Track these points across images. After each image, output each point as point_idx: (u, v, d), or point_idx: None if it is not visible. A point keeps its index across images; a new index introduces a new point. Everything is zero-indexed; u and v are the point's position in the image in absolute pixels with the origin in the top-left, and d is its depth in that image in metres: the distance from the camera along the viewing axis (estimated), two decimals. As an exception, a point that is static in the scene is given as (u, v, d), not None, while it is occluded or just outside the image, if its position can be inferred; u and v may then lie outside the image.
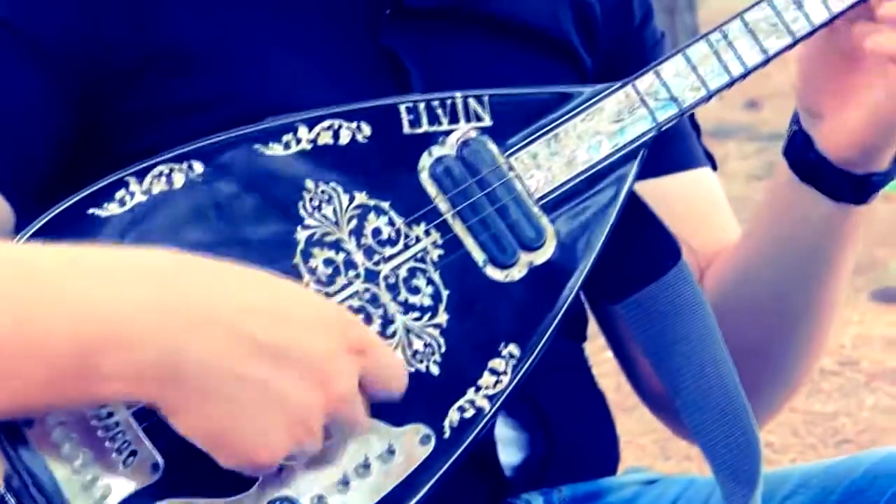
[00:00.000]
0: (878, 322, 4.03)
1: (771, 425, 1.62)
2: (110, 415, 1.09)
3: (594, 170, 1.22)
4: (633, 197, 1.25)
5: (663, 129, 1.24)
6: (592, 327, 1.43)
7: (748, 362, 1.32)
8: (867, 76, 1.24)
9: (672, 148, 1.37)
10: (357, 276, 1.17)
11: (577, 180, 1.22)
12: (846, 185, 1.28)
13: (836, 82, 1.26)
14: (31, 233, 1.13)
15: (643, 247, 1.27)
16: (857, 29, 1.24)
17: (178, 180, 1.16)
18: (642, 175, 1.33)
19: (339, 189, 1.18)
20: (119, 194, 1.15)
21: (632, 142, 1.23)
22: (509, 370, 1.17)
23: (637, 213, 1.26)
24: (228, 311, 1.06)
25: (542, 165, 1.22)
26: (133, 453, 1.10)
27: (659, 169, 1.37)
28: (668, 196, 1.37)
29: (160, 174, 1.16)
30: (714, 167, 1.43)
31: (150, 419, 1.09)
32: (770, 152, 6.98)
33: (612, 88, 1.24)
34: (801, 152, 1.29)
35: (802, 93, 1.28)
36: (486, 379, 1.17)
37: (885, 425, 3.42)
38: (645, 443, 3.26)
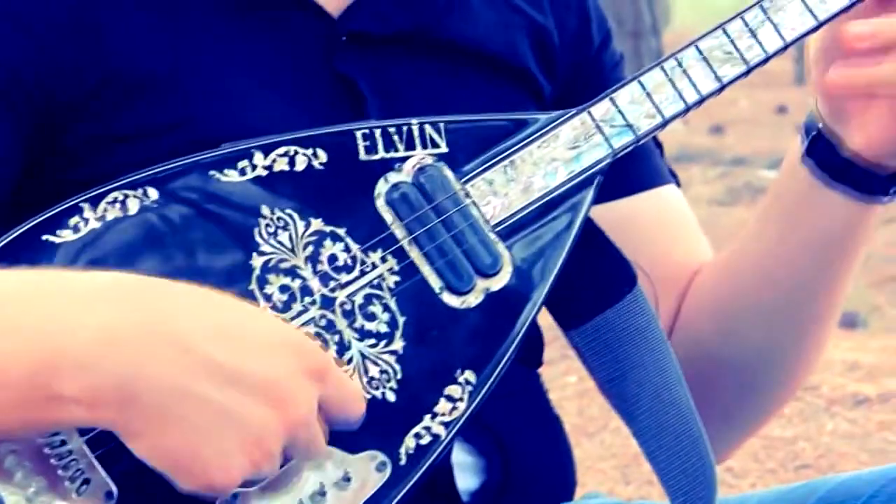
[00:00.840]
0: (839, 347, 4.05)
1: (730, 450, 1.62)
2: (63, 443, 1.09)
3: (550, 196, 1.23)
4: (588, 223, 1.25)
5: (619, 155, 1.24)
6: (552, 353, 1.43)
7: (750, 366, 1.33)
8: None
9: (637, 167, 1.38)
10: (313, 302, 1.17)
11: (534, 207, 1.22)
12: (876, 182, 1.29)
13: None
14: None
15: (599, 273, 1.28)
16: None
17: (133, 207, 1.16)
18: (610, 197, 1.34)
19: (295, 215, 1.18)
20: (73, 221, 1.15)
21: (588, 168, 1.23)
22: (466, 397, 1.17)
23: (593, 240, 1.27)
24: (186, 332, 1.05)
25: (498, 192, 1.22)
26: (86, 481, 1.09)
27: (626, 189, 1.37)
28: (638, 215, 1.38)
29: (114, 201, 1.16)
30: (678, 185, 1.44)
31: (104, 447, 1.08)
32: (733, 177, 7.02)
33: (568, 115, 1.24)
34: (827, 154, 1.29)
35: (826, 94, 1.29)
36: (443, 406, 1.17)
37: (844, 450, 3.43)
38: (605, 467, 3.27)
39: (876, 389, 3.72)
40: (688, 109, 1.25)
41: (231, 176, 1.18)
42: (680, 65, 1.25)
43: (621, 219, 1.32)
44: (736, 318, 1.36)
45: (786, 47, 1.26)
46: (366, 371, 1.16)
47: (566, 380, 3.51)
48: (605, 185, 1.24)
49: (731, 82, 1.26)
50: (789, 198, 1.34)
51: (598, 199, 1.25)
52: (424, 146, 1.21)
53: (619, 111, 1.24)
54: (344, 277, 1.18)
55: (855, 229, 1.32)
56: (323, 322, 1.16)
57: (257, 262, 1.16)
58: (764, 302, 1.35)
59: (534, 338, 1.35)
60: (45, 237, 1.14)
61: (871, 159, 1.28)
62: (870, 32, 1.22)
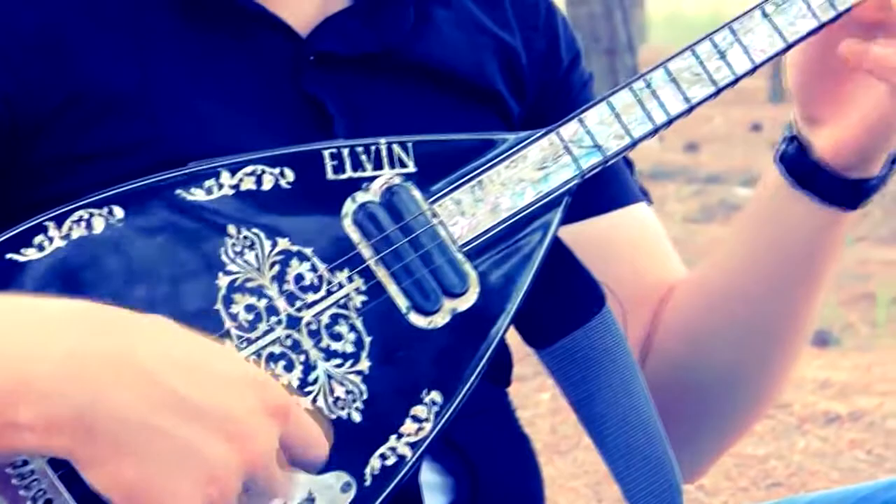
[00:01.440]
0: (811, 365, 4.06)
1: (703, 468, 1.63)
2: (25, 463, 1.08)
3: (518, 217, 1.22)
4: (557, 243, 1.25)
5: (587, 176, 1.24)
6: (525, 369, 1.43)
7: (725, 385, 1.33)
8: (862, 82, 1.26)
9: (607, 186, 1.38)
10: (279, 322, 1.16)
11: (501, 227, 1.22)
12: (841, 189, 1.29)
13: (833, 88, 1.28)
14: None
15: (567, 293, 1.27)
16: (848, 46, 1.25)
17: (98, 225, 1.15)
18: (581, 216, 1.34)
19: (262, 235, 1.17)
20: (38, 239, 1.14)
21: (556, 189, 1.23)
22: (431, 417, 1.17)
23: (561, 260, 1.27)
24: (150, 364, 1.04)
25: (466, 212, 1.22)
26: (48, 502, 1.08)
27: (597, 208, 1.37)
28: (610, 234, 1.37)
29: (80, 219, 1.15)
30: (649, 202, 1.44)
31: (66, 467, 1.08)
32: (707, 194, 7.03)
33: (537, 136, 1.24)
34: (797, 158, 1.30)
35: (800, 99, 1.30)
36: (408, 426, 1.16)
37: (816, 468, 3.43)
38: (578, 486, 3.26)
39: (847, 408, 3.73)
40: (656, 130, 1.25)
41: (197, 195, 1.17)
42: (649, 86, 1.25)
43: (593, 238, 1.32)
44: (708, 336, 1.36)
45: (754, 69, 1.26)
46: (331, 391, 1.16)
47: (539, 397, 3.50)
48: (577, 204, 1.24)
49: (699, 103, 1.26)
50: (761, 209, 1.34)
51: (570, 219, 1.25)
52: (392, 166, 1.21)
53: (588, 132, 1.24)
54: (310, 297, 1.17)
55: (823, 242, 1.32)
56: (289, 342, 1.16)
57: (223, 281, 1.16)
58: (735, 319, 1.35)
59: (503, 356, 1.35)
60: (9, 256, 1.13)
61: (837, 167, 1.29)
62: None
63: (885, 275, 5.32)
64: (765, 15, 1.26)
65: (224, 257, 1.16)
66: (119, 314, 1.07)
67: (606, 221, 1.38)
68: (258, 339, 1.15)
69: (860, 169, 1.29)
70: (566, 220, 1.24)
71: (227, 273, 1.16)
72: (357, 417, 1.16)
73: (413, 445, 1.16)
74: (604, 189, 1.36)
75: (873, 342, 4.64)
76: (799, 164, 1.30)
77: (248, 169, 1.18)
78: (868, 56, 1.24)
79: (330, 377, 1.16)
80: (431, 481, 1.29)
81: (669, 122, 1.25)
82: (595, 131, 1.24)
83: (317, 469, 1.11)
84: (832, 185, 1.29)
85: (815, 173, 1.29)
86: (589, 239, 1.31)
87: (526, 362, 1.41)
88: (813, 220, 1.31)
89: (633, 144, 1.25)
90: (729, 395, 1.37)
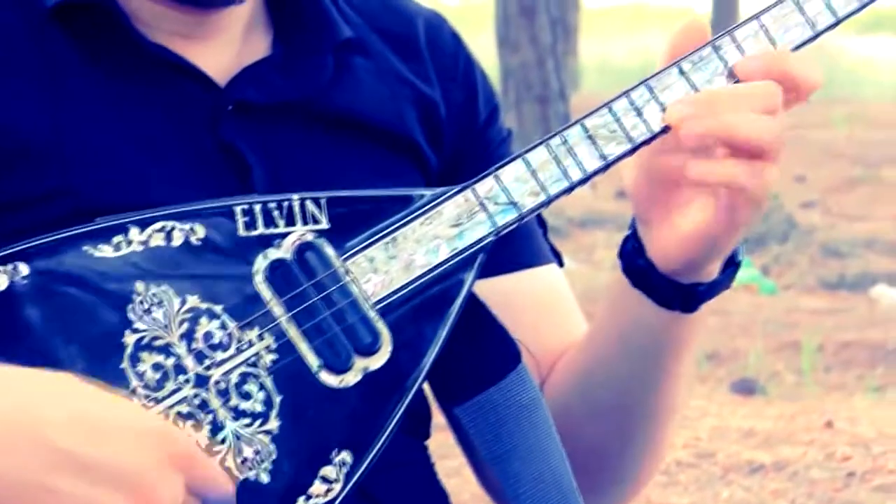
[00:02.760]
0: (735, 414, 4.07)
1: (628, 518, 1.62)
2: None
3: (432, 274, 1.21)
4: (472, 300, 1.24)
5: (502, 233, 1.23)
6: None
7: (589, 461, 1.32)
8: (691, 192, 1.25)
9: (516, 246, 1.37)
10: (187, 381, 1.14)
11: (415, 284, 1.21)
12: (673, 293, 1.28)
13: (664, 193, 1.26)
14: None
15: (482, 350, 1.26)
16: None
17: (2, 283, 1.13)
18: (487, 273, 1.33)
19: (171, 292, 1.16)
20: None
21: (470, 246, 1.22)
22: (341, 477, 1.15)
23: (476, 317, 1.26)
24: (44, 424, 1.03)
25: (379, 269, 1.21)
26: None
27: (503, 267, 1.36)
28: (512, 294, 1.36)
29: None
30: (560, 264, 1.43)
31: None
32: (637, 241, 7.04)
33: (452, 192, 1.23)
34: (632, 258, 1.29)
35: (633, 199, 1.29)
36: (317, 487, 1.15)
37: (740, 519, 3.44)
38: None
39: (771, 457, 3.74)
40: (572, 188, 1.24)
41: (105, 251, 1.16)
42: (565, 143, 1.24)
43: (498, 296, 1.30)
44: (575, 406, 1.34)
45: (671, 126, 1.26)
46: (240, 451, 1.14)
47: (465, 446, 3.48)
48: (486, 261, 1.23)
49: (616, 161, 1.25)
50: (610, 300, 1.33)
51: (478, 275, 1.24)
52: (305, 222, 1.20)
53: (504, 189, 1.23)
54: (219, 356, 1.15)
55: (669, 338, 1.30)
56: (196, 401, 1.14)
57: (130, 339, 1.14)
58: (594, 396, 1.34)
59: (421, 409, 1.34)
60: None
61: (666, 271, 1.26)
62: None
63: (812, 323, 5.36)
64: (682, 72, 1.25)
65: (131, 315, 1.14)
66: (16, 374, 1.05)
67: (513, 281, 1.37)
68: (165, 398, 1.14)
69: (688, 274, 1.27)
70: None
71: (135, 331, 1.14)
72: (265, 478, 1.14)
73: None
74: (513, 248, 1.35)
75: (799, 391, 4.66)
76: (634, 263, 1.28)
77: (158, 225, 1.17)
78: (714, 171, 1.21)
79: (238, 437, 1.14)
80: (346, 535, 1.28)
81: (586, 180, 1.25)
82: (511, 188, 1.23)
83: None
84: (663, 288, 1.27)
85: (647, 274, 1.27)
86: (493, 297, 1.29)
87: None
88: (655, 319, 1.29)
89: (549, 202, 1.24)
90: (598, 464, 1.35)
